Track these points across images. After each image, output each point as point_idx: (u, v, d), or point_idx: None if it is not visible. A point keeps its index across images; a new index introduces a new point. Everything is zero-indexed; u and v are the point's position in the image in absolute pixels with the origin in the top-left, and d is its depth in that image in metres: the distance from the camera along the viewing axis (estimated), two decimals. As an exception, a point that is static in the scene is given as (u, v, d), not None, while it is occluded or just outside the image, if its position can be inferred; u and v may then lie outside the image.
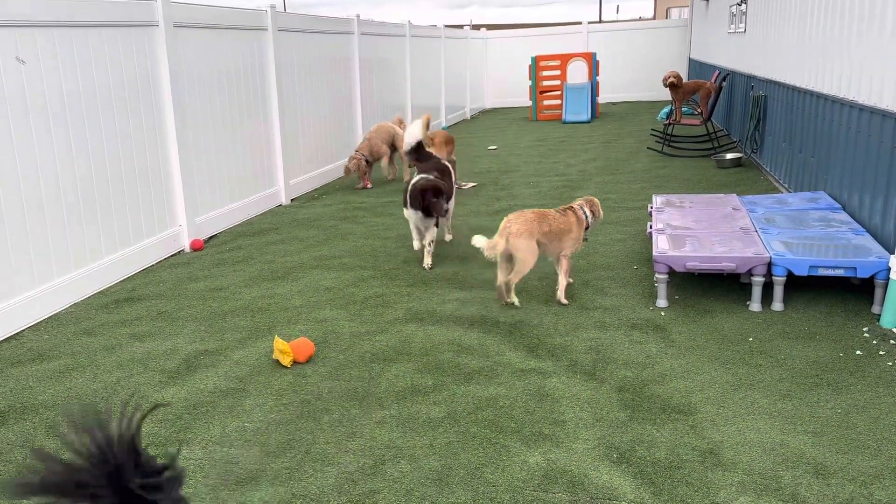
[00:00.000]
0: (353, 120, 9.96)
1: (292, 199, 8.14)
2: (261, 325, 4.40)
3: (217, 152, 6.70)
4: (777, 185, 7.52)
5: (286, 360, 3.78)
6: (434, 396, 3.43)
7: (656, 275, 4.44)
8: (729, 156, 8.98)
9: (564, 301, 4.48)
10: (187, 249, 6.19)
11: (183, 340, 4.24)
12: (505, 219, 4.39)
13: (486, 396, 3.41)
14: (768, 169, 8.03)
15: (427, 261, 5.30)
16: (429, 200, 5.06)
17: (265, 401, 3.47)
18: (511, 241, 4.28)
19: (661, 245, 4.55)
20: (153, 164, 5.79)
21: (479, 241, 4.27)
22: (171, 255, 6.02)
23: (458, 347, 3.96)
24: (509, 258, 4.38)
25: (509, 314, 4.40)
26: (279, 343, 3.80)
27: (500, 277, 4.45)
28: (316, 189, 8.75)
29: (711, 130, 10.42)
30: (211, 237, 6.57)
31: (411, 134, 5.60)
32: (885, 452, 2.81)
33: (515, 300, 4.48)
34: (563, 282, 4.53)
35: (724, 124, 11.82)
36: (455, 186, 5.80)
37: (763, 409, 3.19)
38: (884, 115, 4.45)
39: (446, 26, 15.23)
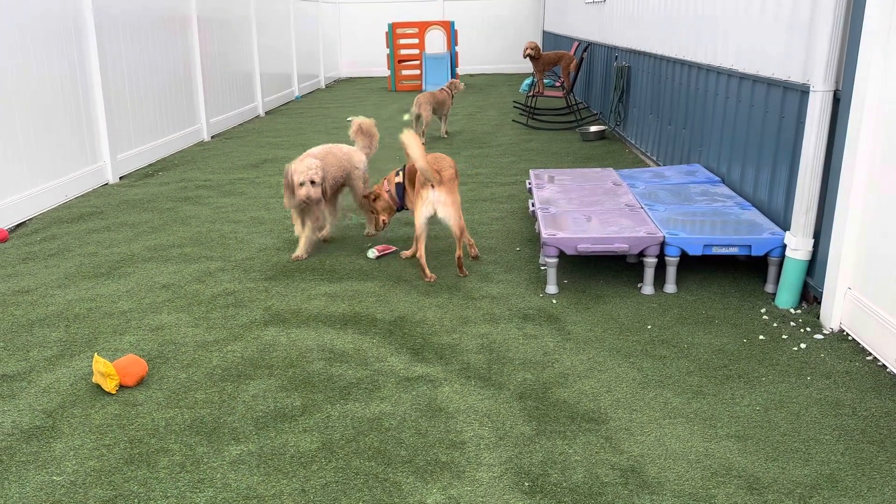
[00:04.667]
0: (193, 87, 8.86)
1: (121, 177, 7.03)
2: (78, 338, 3.54)
3: (23, 123, 5.54)
4: (644, 157, 7.44)
5: (110, 385, 2.99)
6: (304, 421, 2.81)
7: (545, 258, 4.04)
8: (593, 128, 8.87)
9: None
10: (-14, 241, 5.07)
11: (-29, 363, 3.31)
12: None
13: (369, 417, 2.83)
14: (633, 141, 7.96)
15: None
16: None
17: (82, 442, 2.69)
18: None
19: (550, 226, 4.15)
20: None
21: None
22: (-37, 249, 4.89)
23: (329, 354, 3.34)
24: None
25: (387, 310, 3.83)
26: (100, 363, 3.00)
27: None
28: (151, 164, 7.66)
29: (573, 103, 10.32)
30: (18, 225, 5.44)
31: None
32: (816, 457, 2.55)
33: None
34: None
35: (583, 97, 11.82)
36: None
37: (678, 410, 2.86)
38: (769, 83, 4.28)
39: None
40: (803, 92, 3.81)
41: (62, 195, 6.06)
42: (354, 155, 4.90)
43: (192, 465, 2.54)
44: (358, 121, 5.07)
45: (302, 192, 4.30)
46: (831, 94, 3.49)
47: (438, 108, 8.94)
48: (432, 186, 4.02)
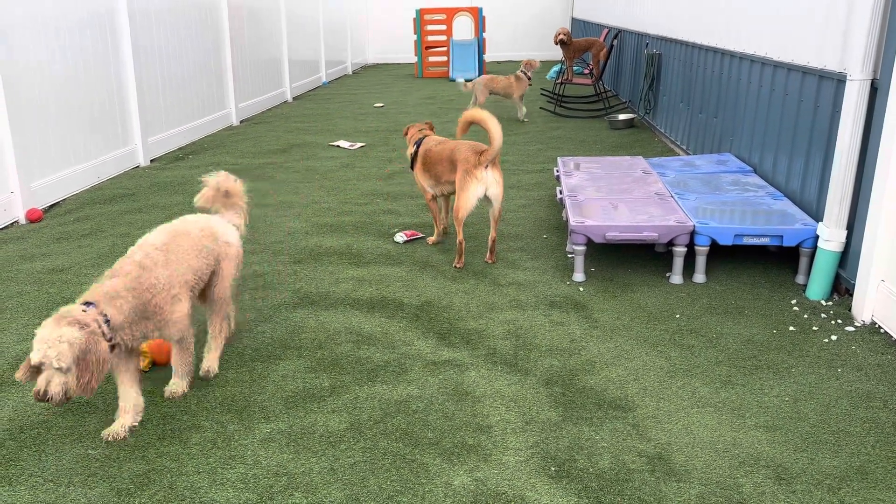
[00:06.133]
0: (223, 72, 8.93)
1: (152, 160, 7.13)
2: (112, 317, 3.61)
3: (57, 105, 5.63)
4: (674, 146, 7.36)
5: (143, 363, 3.06)
6: (332, 402, 2.84)
7: (573, 246, 4.03)
8: (622, 117, 8.79)
9: None
10: (22, 221, 5.17)
11: (10, 338, 3.39)
12: None
13: (396, 399, 2.86)
14: (663, 130, 7.87)
15: None
16: None
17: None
18: None
19: (578, 214, 4.13)
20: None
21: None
22: (1, 229, 5.00)
23: (357, 337, 3.37)
24: None
25: (414, 294, 3.85)
26: (134, 341, 3.06)
27: None
28: (181, 147, 7.75)
29: (601, 91, 10.23)
30: (52, 206, 5.55)
31: None
32: (846, 448, 2.53)
33: None
34: None
35: (612, 84, 11.70)
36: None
37: (706, 399, 2.85)
38: (804, 71, 4.21)
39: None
40: (839, 81, 3.75)
41: (95, 177, 6.16)
42: (221, 229, 3.05)
43: (223, 441, 2.59)
44: (214, 183, 3.20)
45: (39, 382, 2.33)
46: (869, 83, 3.42)
47: (504, 91, 9.30)
48: (486, 167, 4.05)
